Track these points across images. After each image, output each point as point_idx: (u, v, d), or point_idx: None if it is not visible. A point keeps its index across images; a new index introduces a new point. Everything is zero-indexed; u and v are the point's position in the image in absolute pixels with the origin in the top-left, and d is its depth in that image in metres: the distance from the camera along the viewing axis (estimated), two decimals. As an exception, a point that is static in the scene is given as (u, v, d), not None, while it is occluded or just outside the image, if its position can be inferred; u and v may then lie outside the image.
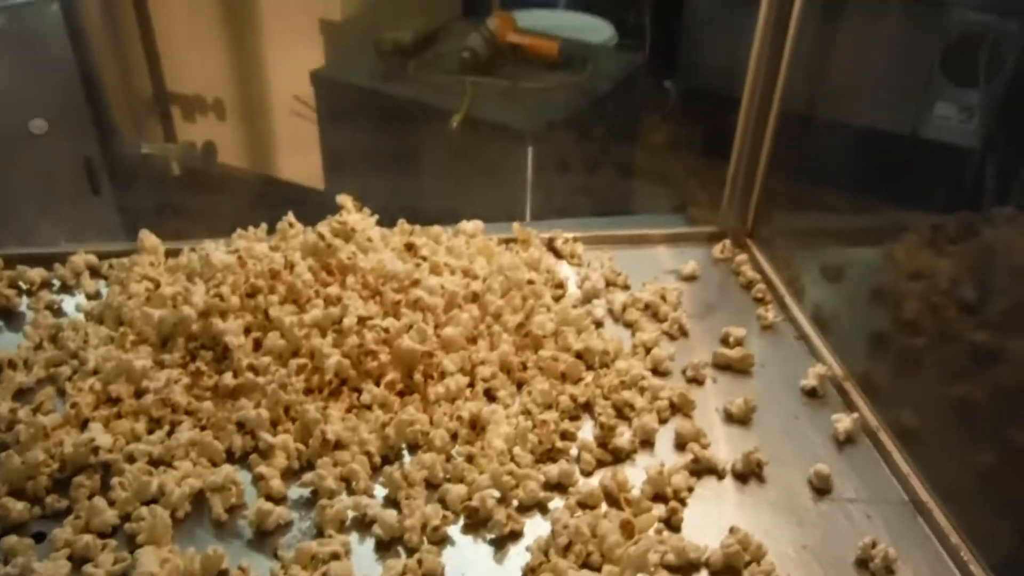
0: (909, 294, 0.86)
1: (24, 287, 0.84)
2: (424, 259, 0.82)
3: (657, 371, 0.77)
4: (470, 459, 0.66)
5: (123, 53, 2.26)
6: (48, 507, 0.61)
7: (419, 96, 1.88)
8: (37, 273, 0.84)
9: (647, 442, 0.70)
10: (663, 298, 0.85)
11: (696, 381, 0.76)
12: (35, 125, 1.89)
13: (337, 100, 2.06)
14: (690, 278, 0.90)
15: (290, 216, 0.86)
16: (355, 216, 0.86)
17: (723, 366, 0.78)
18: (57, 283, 0.85)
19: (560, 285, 0.86)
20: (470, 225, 0.91)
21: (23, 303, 0.82)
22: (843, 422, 0.70)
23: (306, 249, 0.80)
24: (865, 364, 0.77)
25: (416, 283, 0.77)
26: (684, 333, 0.82)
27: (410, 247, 0.83)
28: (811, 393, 0.75)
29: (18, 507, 0.60)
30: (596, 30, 2.33)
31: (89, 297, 0.83)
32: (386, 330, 0.73)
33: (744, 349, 0.78)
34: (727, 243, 0.94)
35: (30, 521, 0.61)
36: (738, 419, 0.72)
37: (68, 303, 0.83)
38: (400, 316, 0.75)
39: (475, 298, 0.79)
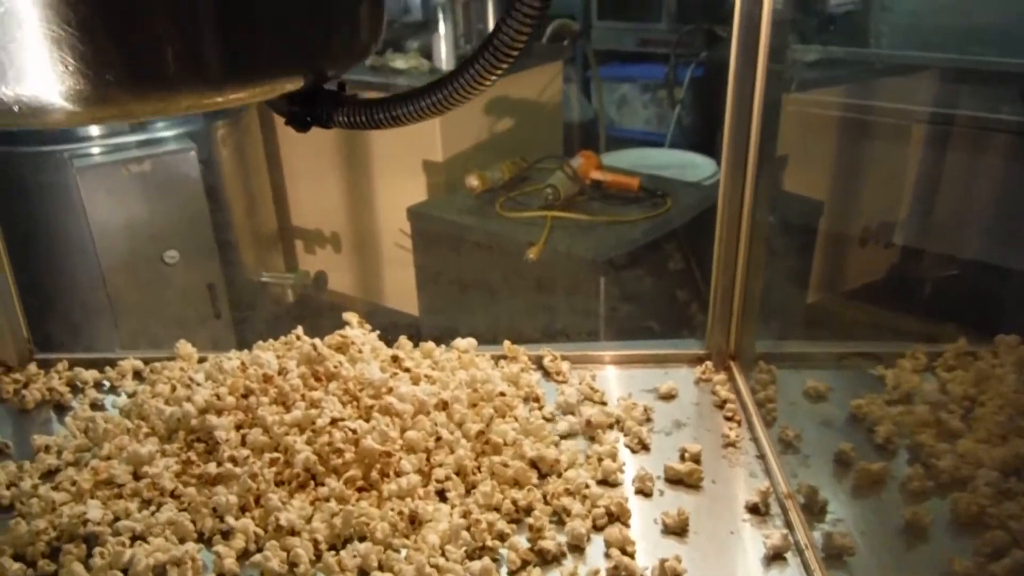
0: (886, 418, 0.86)
1: (79, 386, 0.98)
2: (407, 370, 0.91)
3: (607, 482, 0.80)
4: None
5: (251, 191, 2.55)
6: (40, 570, 0.72)
7: (503, 231, 2.03)
8: (91, 374, 0.99)
9: (576, 547, 0.73)
10: (631, 413, 0.89)
11: (643, 493, 0.79)
12: (169, 255, 2.17)
13: (430, 234, 2.23)
14: (667, 397, 0.93)
15: (298, 330, 0.97)
16: (356, 331, 0.96)
17: (673, 480, 0.80)
18: (107, 384, 0.99)
19: (537, 399, 0.92)
20: (463, 342, 0.99)
21: (75, 401, 0.96)
22: (773, 538, 0.71)
23: (301, 358, 0.90)
24: (814, 483, 0.77)
25: (390, 390, 0.86)
26: (645, 447, 0.85)
27: (395, 359, 0.92)
28: (753, 510, 0.76)
29: (14, 567, 0.71)
30: (700, 168, 2.43)
31: (129, 397, 0.97)
32: (354, 431, 0.81)
33: (696, 464, 0.81)
34: (708, 364, 0.97)
35: (22, 581, 0.71)
36: (673, 531, 0.74)
37: (110, 400, 0.96)
38: (371, 419, 0.83)
39: (444, 406, 0.86)
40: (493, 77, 0.46)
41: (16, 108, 0.41)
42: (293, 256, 2.82)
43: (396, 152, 2.46)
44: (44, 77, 0.41)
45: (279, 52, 0.46)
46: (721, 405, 0.91)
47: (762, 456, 0.83)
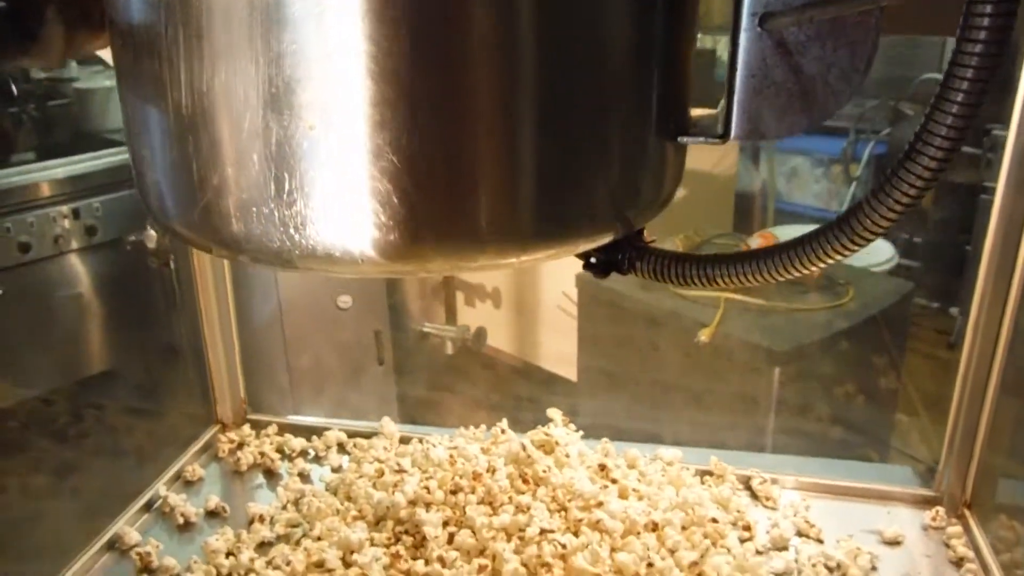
0: None
1: (288, 453, 1.01)
2: (614, 481, 0.88)
3: (831, 639, 0.74)
4: None
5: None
6: (256, 652, 0.73)
7: (674, 307, 1.98)
8: (299, 443, 1.02)
9: None
10: (855, 560, 0.82)
11: (874, 659, 0.72)
12: (342, 300, 2.25)
13: (597, 302, 2.22)
14: (892, 543, 0.86)
15: (503, 423, 0.96)
16: (560, 430, 0.94)
17: (908, 648, 0.73)
18: (312, 452, 1.02)
19: (747, 528, 0.86)
20: (668, 453, 0.96)
21: (283, 467, 0.99)
22: None
23: (509, 457, 0.89)
24: None
25: (600, 504, 0.83)
26: (872, 602, 0.78)
27: (603, 468, 0.89)
28: None
29: (234, 647, 0.73)
30: (875, 251, 2.31)
31: (333, 470, 0.99)
32: (563, 545, 0.78)
33: (936, 634, 0.73)
34: (940, 511, 0.88)
35: (239, 661, 0.73)
36: None
37: (316, 471, 0.98)
38: (579, 534, 0.81)
39: (655, 528, 0.83)
40: (845, 253, 0.42)
41: (304, 257, 0.41)
42: (454, 310, 2.87)
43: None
44: (353, 226, 0.41)
45: (593, 207, 0.45)
46: (958, 563, 0.83)
47: (1011, 633, 0.75)
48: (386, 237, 0.41)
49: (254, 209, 0.40)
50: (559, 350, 2.51)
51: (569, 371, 2.41)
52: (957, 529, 0.87)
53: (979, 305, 0.83)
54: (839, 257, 0.43)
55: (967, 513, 0.88)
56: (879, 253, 2.29)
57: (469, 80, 0.40)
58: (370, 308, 2.35)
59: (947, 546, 0.85)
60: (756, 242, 2.09)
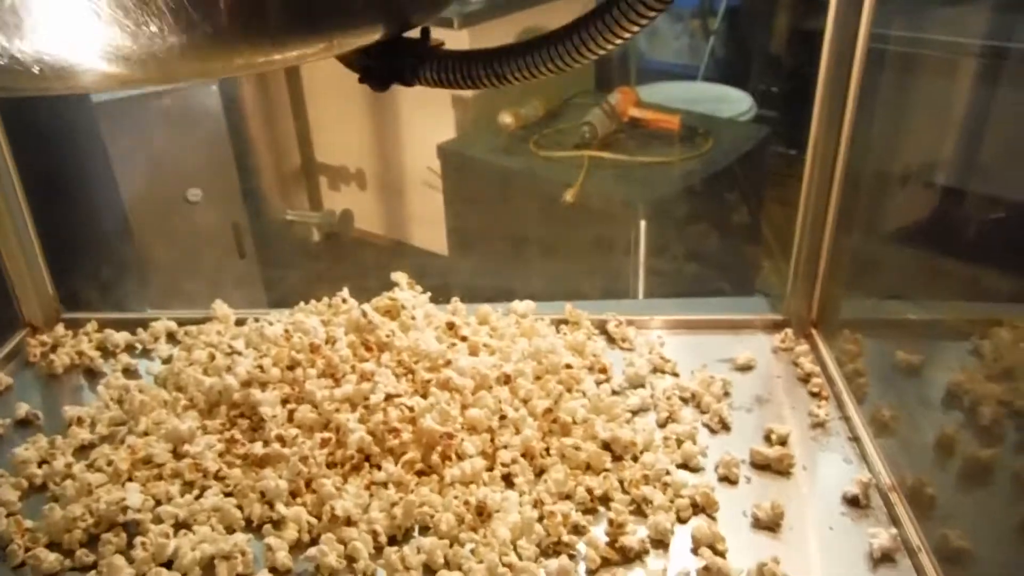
0: (989, 396, 0.78)
1: (110, 349, 0.92)
2: (464, 339, 0.84)
3: (687, 466, 0.74)
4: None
5: (276, 128, 2.45)
6: (77, 560, 0.66)
7: (537, 170, 1.93)
8: (122, 337, 0.92)
9: (660, 543, 0.66)
10: (708, 388, 0.81)
11: (728, 480, 0.72)
12: (192, 193, 2.09)
13: (461, 172, 2.14)
14: (744, 368, 0.86)
15: (344, 292, 0.90)
16: (406, 293, 0.89)
17: (760, 465, 0.73)
18: (139, 347, 0.93)
19: (603, 370, 0.84)
20: (522, 305, 0.92)
21: (107, 367, 0.90)
22: (880, 538, 0.64)
23: (349, 325, 0.83)
24: (919, 474, 0.70)
25: (448, 363, 0.79)
26: (725, 427, 0.78)
27: (451, 326, 0.84)
28: (852, 502, 0.69)
29: (50, 559, 0.66)
30: (735, 102, 2.32)
31: (164, 362, 0.90)
32: (411, 408, 0.74)
33: (785, 448, 0.74)
34: (788, 332, 0.89)
35: (60, 573, 0.66)
36: (765, 525, 0.67)
37: (144, 366, 0.90)
38: (428, 395, 0.76)
39: (507, 380, 0.79)
40: (627, 34, 0.37)
41: (37, 69, 0.32)
42: (316, 195, 2.74)
43: (424, 89, 2.35)
44: (72, 29, 0.32)
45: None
46: (805, 379, 0.84)
47: (856, 439, 0.76)
48: (116, 39, 0.33)
49: None
50: (428, 227, 2.44)
51: (440, 246, 2.36)
52: (804, 348, 0.87)
53: (814, 143, 0.82)
54: (610, 45, 0.38)
55: (814, 333, 0.89)
56: (738, 104, 2.29)
57: None
58: (224, 199, 2.20)
59: (795, 364, 0.86)
60: (616, 98, 2.05)
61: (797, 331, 0.89)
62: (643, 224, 1.79)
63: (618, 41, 0.38)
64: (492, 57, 0.40)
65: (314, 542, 0.67)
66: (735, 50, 3.23)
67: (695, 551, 0.65)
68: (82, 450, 0.77)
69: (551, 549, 0.66)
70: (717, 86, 2.57)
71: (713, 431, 0.78)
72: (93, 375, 0.89)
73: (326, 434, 0.74)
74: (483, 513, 0.68)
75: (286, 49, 0.36)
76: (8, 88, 0.33)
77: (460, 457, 0.73)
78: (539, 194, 1.93)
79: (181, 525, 0.69)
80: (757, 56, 3.02)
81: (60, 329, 0.93)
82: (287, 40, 0.36)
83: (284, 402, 0.77)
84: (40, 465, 0.75)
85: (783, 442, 0.75)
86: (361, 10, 0.37)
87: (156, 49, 0.33)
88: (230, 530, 0.68)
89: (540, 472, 0.73)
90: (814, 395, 0.82)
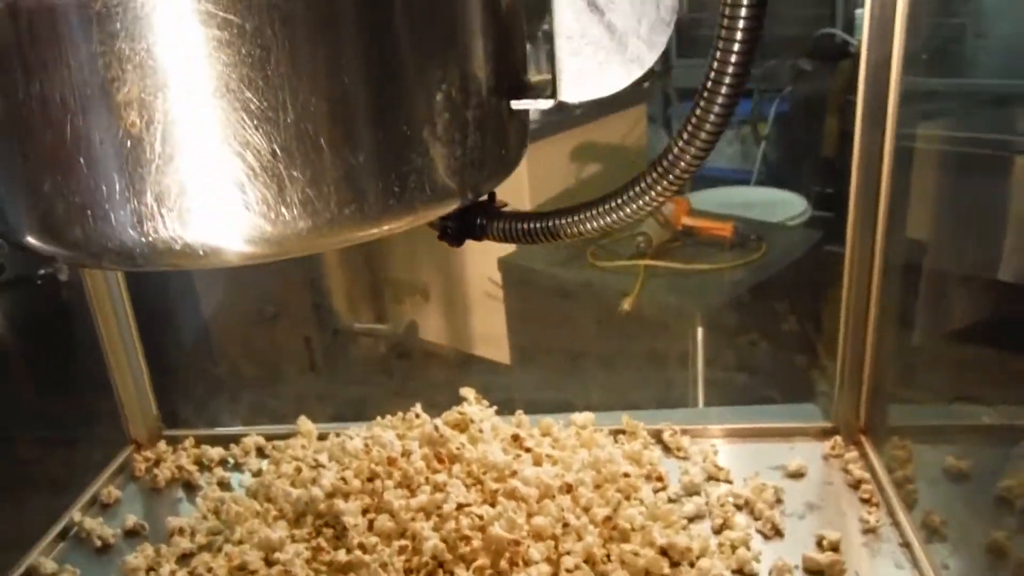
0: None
1: (206, 463, 1.01)
2: (528, 450, 0.90)
3: (742, 572, 0.77)
4: (540, 649, 0.70)
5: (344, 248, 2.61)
6: (181, 661, 0.73)
7: (594, 280, 2.01)
8: (217, 452, 1.01)
9: (718, 646, 0.70)
10: (761, 495, 0.86)
11: (782, 585, 0.76)
12: (266, 310, 2.24)
13: (522, 284, 2.24)
14: (796, 475, 0.90)
15: (417, 408, 0.97)
16: (474, 408, 0.96)
17: (813, 571, 0.77)
18: (232, 461, 1.02)
19: (660, 478, 0.89)
20: (581, 417, 0.98)
21: (203, 479, 0.99)
22: (931, 642, 0.67)
23: (423, 438, 0.90)
24: (969, 578, 0.73)
25: (514, 474, 0.85)
26: (778, 533, 0.82)
27: (516, 438, 0.91)
28: (905, 607, 0.72)
29: (158, 659, 0.73)
30: (788, 205, 2.37)
31: (253, 475, 0.98)
32: (480, 517, 0.80)
33: (837, 555, 0.77)
34: (838, 439, 0.93)
35: (165, 672, 0.73)
36: (820, 630, 0.71)
37: (236, 479, 0.98)
38: (496, 504, 0.82)
39: (569, 489, 0.85)
40: (670, 192, 0.45)
41: (201, 252, 0.42)
42: (382, 308, 2.86)
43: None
44: (228, 219, 0.42)
45: (433, 178, 0.46)
46: (855, 485, 0.87)
47: (906, 545, 0.79)
48: (257, 226, 0.42)
49: (89, 212, 0.41)
50: (491, 337, 2.52)
51: (502, 355, 2.43)
52: (854, 455, 0.91)
53: (852, 242, 0.87)
54: (661, 198, 0.46)
55: (863, 439, 0.93)
56: (792, 206, 2.36)
57: (296, 72, 0.41)
58: (296, 313, 2.34)
59: (846, 471, 0.90)
60: (670, 208, 2.14)
61: (846, 438, 0.93)
62: (699, 332, 1.84)
63: (653, 205, 0.46)
64: (545, 217, 0.48)
65: (393, 645, 0.73)
66: (786, 154, 3.31)
67: (752, 654, 0.69)
68: (184, 558, 0.85)
69: (614, 652, 0.70)
70: (770, 189, 2.64)
71: (766, 537, 0.82)
72: (191, 488, 0.97)
73: (403, 542, 0.80)
74: (549, 617, 0.72)
75: (381, 225, 0.45)
76: (173, 264, 0.43)
77: (527, 563, 0.78)
78: (597, 304, 2.01)
79: (273, 628, 0.75)
80: (809, 159, 3.10)
81: (162, 445, 1.03)
82: (382, 218, 0.45)
83: (364, 512, 0.84)
84: (148, 572, 0.82)
85: (835, 548, 0.79)
86: (444, 188, 0.46)
87: (288, 232, 0.43)
88: (317, 633, 0.75)
89: (602, 577, 0.78)
90: (864, 501, 0.85)
